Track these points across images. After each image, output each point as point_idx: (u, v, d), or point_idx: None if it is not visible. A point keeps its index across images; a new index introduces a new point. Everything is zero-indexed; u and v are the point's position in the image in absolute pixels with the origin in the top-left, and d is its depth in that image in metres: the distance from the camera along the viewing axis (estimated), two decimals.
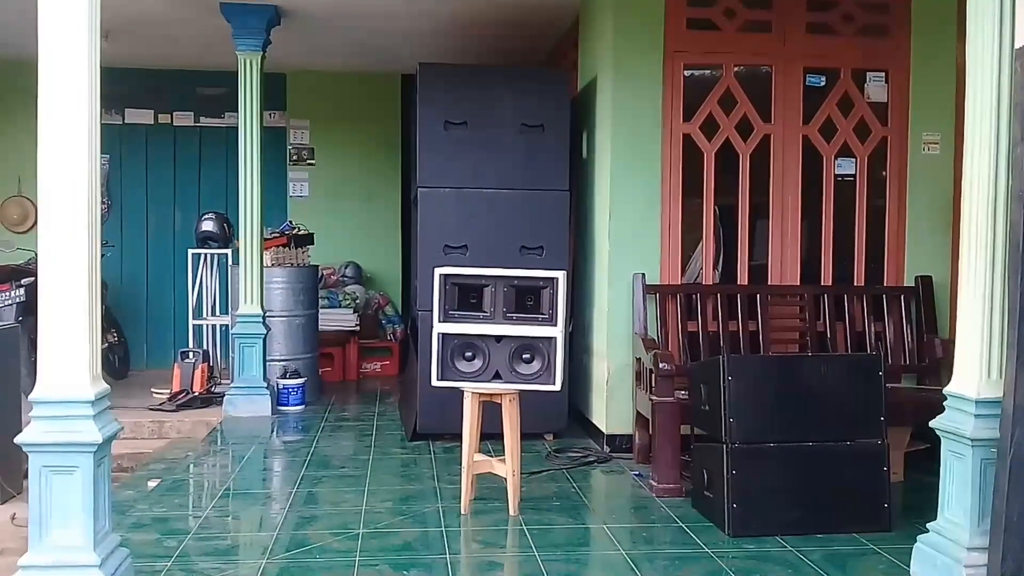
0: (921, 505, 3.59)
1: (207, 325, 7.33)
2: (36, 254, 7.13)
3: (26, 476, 4.96)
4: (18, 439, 2.95)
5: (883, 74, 5.27)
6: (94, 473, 2.92)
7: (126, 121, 8.11)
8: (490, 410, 4.04)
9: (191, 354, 6.65)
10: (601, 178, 5.32)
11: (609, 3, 5.18)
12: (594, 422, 5.39)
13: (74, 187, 2.92)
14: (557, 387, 3.89)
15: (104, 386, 3.01)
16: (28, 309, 6.33)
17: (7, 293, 6.36)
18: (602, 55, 5.36)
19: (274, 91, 6.85)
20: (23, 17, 6.08)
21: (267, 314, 6.30)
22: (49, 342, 2.94)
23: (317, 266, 7.25)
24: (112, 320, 7.11)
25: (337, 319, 7.59)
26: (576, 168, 5.67)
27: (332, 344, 7.59)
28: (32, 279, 6.48)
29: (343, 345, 7.75)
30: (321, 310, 7.21)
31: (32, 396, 2.92)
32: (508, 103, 5.40)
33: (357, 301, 7.86)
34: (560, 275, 3.91)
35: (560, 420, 5.40)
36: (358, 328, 7.77)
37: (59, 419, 2.90)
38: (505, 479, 3.96)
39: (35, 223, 7.74)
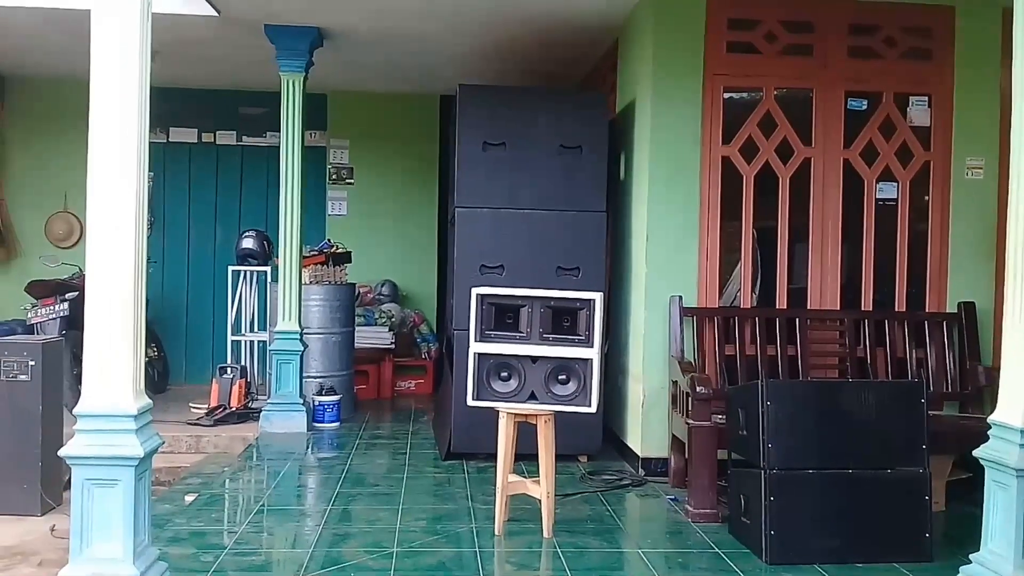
0: (963, 536, 3.52)
1: (245, 341, 7.41)
2: (80, 269, 7.33)
3: (66, 488, 5.06)
4: (61, 452, 3.00)
5: (926, 98, 5.22)
6: (135, 487, 2.96)
7: (170, 139, 8.27)
8: (524, 430, 4.04)
9: (229, 370, 6.72)
10: (639, 200, 5.32)
11: (649, 26, 5.20)
12: (629, 445, 5.36)
13: (122, 204, 2.97)
14: (593, 409, 3.88)
15: (146, 401, 3.05)
16: (72, 323, 6.45)
17: (51, 307, 6.49)
18: (641, 77, 5.37)
19: (315, 111, 6.95)
20: (73, 38, 6.26)
21: (304, 331, 6.36)
22: (94, 356, 2.98)
23: (354, 284, 7.30)
24: (153, 335, 7.21)
25: (373, 337, 7.64)
26: (613, 190, 5.68)
27: (367, 362, 7.64)
28: (76, 293, 6.61)
29: (378, 363, 7.80)
30: (357, 328, 7.26)
31: (76, 410, 2.96)
32: (546, 124, 5.43)
33: (393, 319, 7.91)
34: (597, 296, 3.91)
35: (595, 442, 5.38)
36: (393, 346, 7.81)
37: (102, 433, 2.94)
38: (539, 500, 3.95)
39: (80, 239, 8.01)
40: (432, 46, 6.62)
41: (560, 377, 3.90)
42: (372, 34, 6.30)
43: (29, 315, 6.60)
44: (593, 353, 3.86)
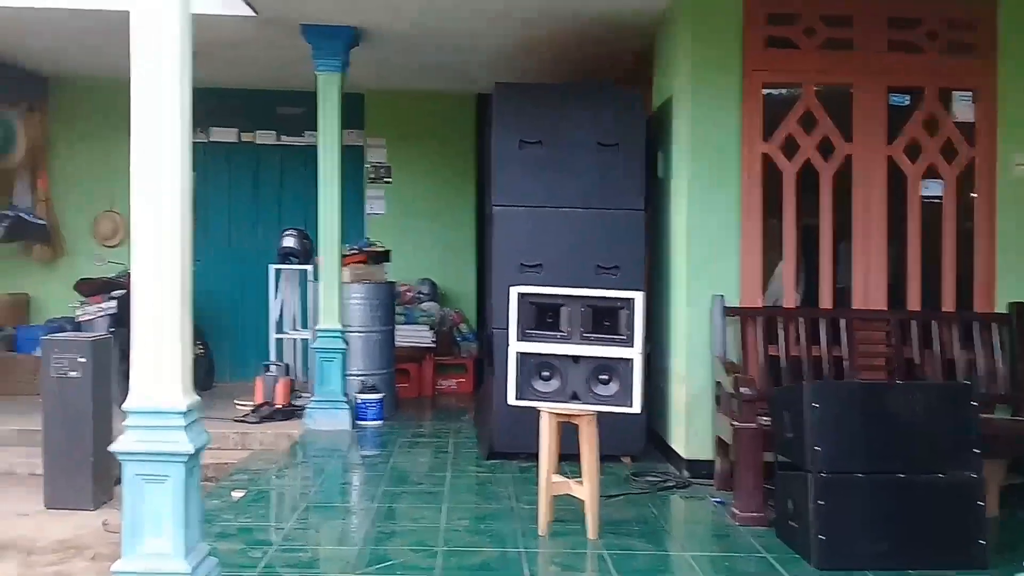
0: (1018, 542, 3.45)
1: (288, 339, 7.48)
2: (126, 267, 7.41)
3: (117, 483, 5.14)
4: (112, 447, 3.05)
5: (970, 93, 5.12)
6: (185, 483, 3.00)
7: (211, 139, 8.37)
8: (566, 430, 4.03)
9: (273, 367, 6.80)
10: (678, 198, 5.28)
11: (687, 22, 5.16)
12: (672, 446, 5.33)
13: (168, 203, 3.01)
14: (636, 409, 3.86)
15: (195, 397, 3.10)
16: (119, 321, 6.56)
17: (99, 305, 6.61)
18: (679, 74, 5.34)
19: (352, 110, 7.00)
20: (116, 39, 6.35)
21: (346, 329, 6.41)
22: (142, 353, 3.02)
23: (394, 283, 7.35)
24: (198, 332, 7.29)
25: (413, 335, 7.69)
26: (651, 187, 5.64)
27: (408, 360, 7.68)
28: (123, 291, 6.72)
29: (419, 361, 7.84)
30: (397, 326, 7.31)
31: (125, 406, 3.01)
32: (583, 122, 5.42)
33: (432, 318, 7.95)
34: (638, 296, 3.89)
35: (638, 443, 5.36)
36: (434, 345, 7.84)
37: (152, 429, 2.98)
38: (583, 501, 3.94)
39: (125, 237, 8.12)
40: (468, 44, 6.64)
41: (602, 377, 3.90)
42: (409, 33, 6.33)
43: (78, 313, 6.73)
44: (635, 353, 3.84)
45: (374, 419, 6.53)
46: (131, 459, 2.99)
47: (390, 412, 6.76)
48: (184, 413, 3.00)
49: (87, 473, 4.87)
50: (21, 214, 7.75)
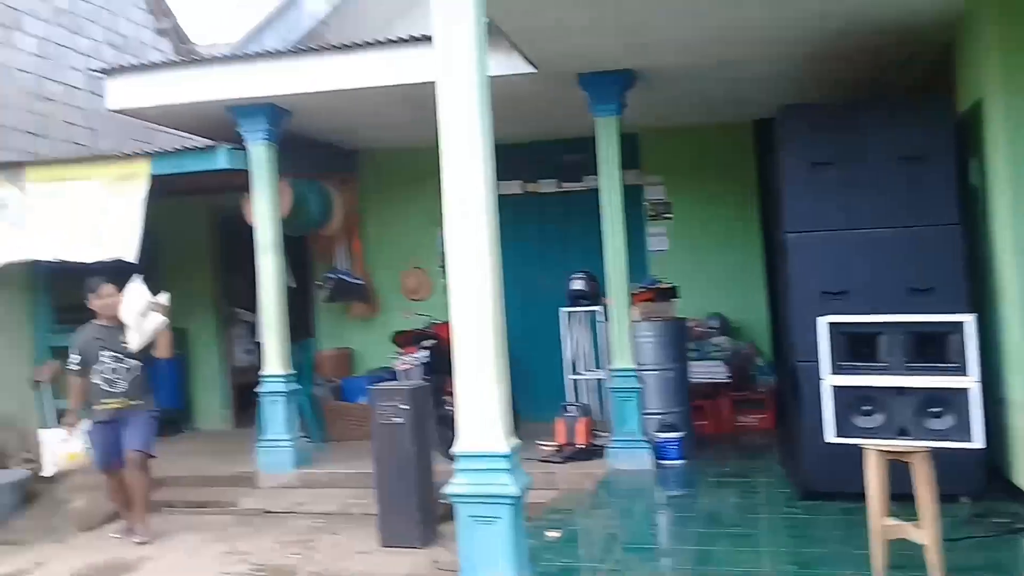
0: None
1: (583, 380, 7.64)
2: (432, 319, 7.97)
3: (440, 522, 5.51)
4: (446, 490, 3.27)
5: None
6: (514, 523, 3.14)
7: (500, 192, 8.77)
8: (892, 468, 3.72)
9: (572, 408, 6.96)
10: (1000, 208, 4.77)
11: (992, 18, 4.70)
12: (1018, 484, 4.74)
13: (479, 257, 3.21)
14: (979, 443, 3.49)
15: (516, 440, 3.25)
16: (431, 368, 7.05)
17: (414, 355, 7.14)
18: (988, 74, 4.87)
19: (627, 150, 7.07)
20: (416, 110, 6.96)
21: (640, 368, 6.44)
22: (466, 401, 3.22)
23: (683, 319, 7.28)
24: None
25: (707, 371, 7.55)
26: (965, 199, 5.15)
27: (703, 397, 7.54)
28: (433, 341, 7.24)
29: (714, 398, 7.67)
30: (690, 362, 7.21)
31: (454, 450, 3.22)
32: (880, 136, 5.10)
33: (725, 352, 7.76)
34: (968, 319, 3.55)
35: (977, 480, 4.84)
36: (729, 380, 7.64)
37: (479, 472, 3.16)
38: (922, 545, 3.61)
39: (429, 291, 8.75)
40: (744, 72, 6.49)
41: (933, 409, 3.58)
42: (681, 69, 6.32)
43: (396, 363, 7.31)
44: (970, 382, 3.49)
45: (675, 458, 6.46)
46: (463, 501, 3.18)
47: (690, 450, 6.64)
48: (507, 456, 3.15)
49: (415, 513, 5.25)
50: (342, 276, 8.62)
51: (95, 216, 6.98)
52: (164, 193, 7.12)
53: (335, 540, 5.55)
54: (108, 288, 5.83)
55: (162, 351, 5.88)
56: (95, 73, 7.47)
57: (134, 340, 5.73)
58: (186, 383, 9.43)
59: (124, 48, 9.51)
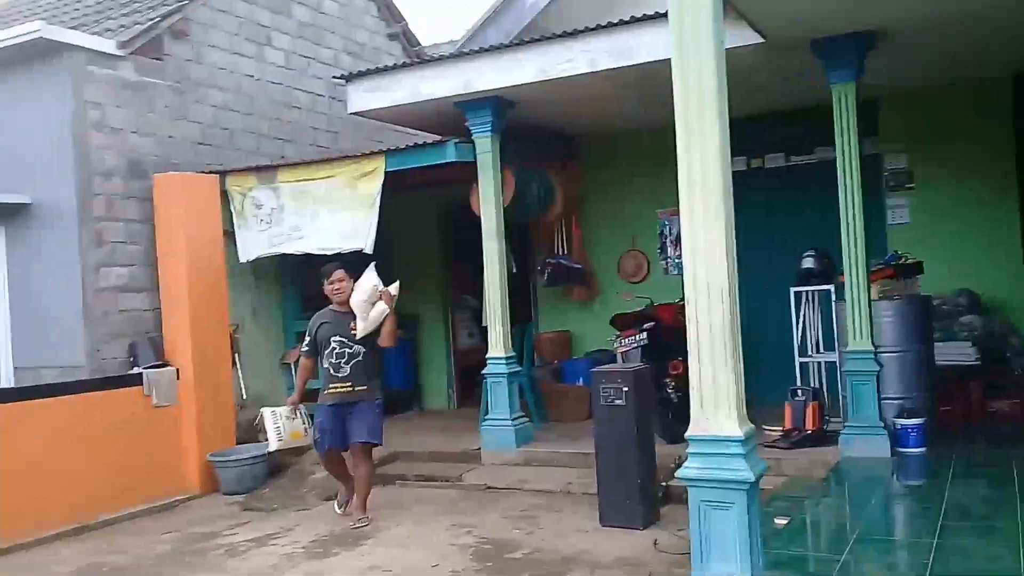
0: None
1: (813, 362, 7.26)
2: (651, 301, 7.89)
3: (661, 504, 5.46)
4: (679, 473, 3.22)
5: None
6: (748, 510, 3.04)
7: None
8: None
9: (801, 392, 6.65)
10: None
11: None
12: None
13: (715, 237, 3.11)
14: None
15: (750, 426, 3.13)
16: (649, 351, 6.97)
17: (633, 337, 7.09)
18: None
19: (866, 118, 6.58)
20: (637, 92, 6.89)
21: (878, 350, 6.02)
22: (700, 385, 3.15)
23: (928, 297, 6.73)
24: None
25: (953, 353, 6.92)
26: None
27: (949, 381, 6.93)
28: (652, 324, 7.15)
29: (962, 382, 7.02)
30: (935, 344, 6.65)
31: (688, 434, 3.16)
32: None
33: (975, 333, 7.08)
34: None
35: None
36: (979, 362, 6.97)
37: (713, 456, 3.08)
38: None
39: (647, 274, 8.69)
40: (996, 21, 5.84)
41: None
42: (926, 24, 5.79)
43: (615, 345, 7.30)
44: None
45: (916, 446, 6.01)
46: (696, 485, 3.12)
47: (933, 438, 6.13)
48: (742, 441, 3.05)
49: (635, 494, 5.23)
50: (561, 261, 8.74)
51: (336, 211, 7.52)
52: (396, 188, 7.52)
53: (556, 517, 5.64)
54: (339, 274, 5.93)
55: (385, 340, 5.87)
56: (336, 80, 8.02)
57: (360, 327, 5.80)
58: (416, 365, 9.95)
59: (360, 55, 10.16)
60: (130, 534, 6.04)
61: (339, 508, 6.06)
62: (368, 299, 5.80)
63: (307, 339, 5.99)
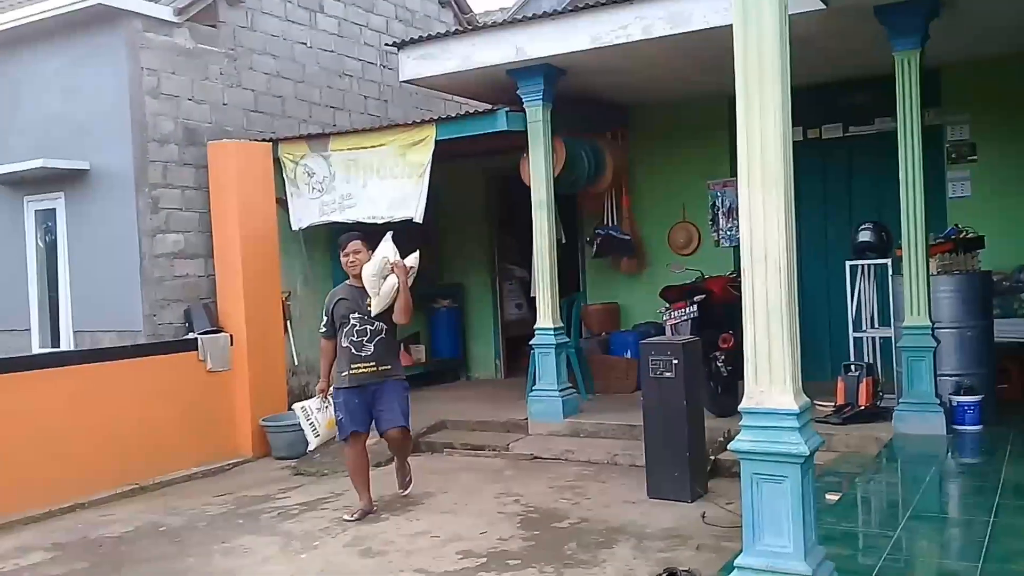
0: None
1: (867, 337, 7.14)
2: (702, 273, 7.80)
3: (709, 477, 5.43)
4: (731, 446, 3.17)
5: None
6: (802, 484, 3.00)
7: None
8: None
9: (854, 367, 6.54)
10: None
11: None
12: None
13: (774, 208, 3.03)
14: None
15: (805, 399, 3.08)
16: (699, 324, 6.91)
17: (683, 310, 7.04)
18: None
19: (928, 87, 6.38)
20: (684, 63, 6.77)
21: (935, 326, 5.90)
22: (755, 357, 3.09)
23: (988, 272, 6.55)
24: None
25: (1013, 330, 6.76)
26: None
27: (1009, 358, 6.77)
28: (703, 296, 7.08)
29: (1021, 359, 6.86)
30: (995, 320, 6.49)
31: (741, 406, 3.11)
32: None
33: None
34: None
35: None
36: None
37: (766, 429, 3.04)
38: None
39: (698, 246, 8.59)
40: None
41: None
42: None
43: (664, 317, 7.25)
44: None
45: (973, 423, 5.90)
46: (748, 458, 3.08)
47: (991, 416, 6.01)
48: (797, 415, 3.00)
49: (684, 467, 5.21)
50: (611, 231, 8.66)
51: (386, 180, 7.53)
52: (445, 157, 7.49)
53: (602, 488, 5.65)
54: (355, 245, 5.41)
55: (399, 316, 5.34)
56: (388, 48, 7.98)
57: (374, 303, 5.32)
58: (462, 334, 9.98)
59: (411, 23, 10.12)
60: (184, 496, 6.19)
61: (349, 516, 5.32)
62: (379, 273, 5.29)
63: (324, 318, 5.48)
